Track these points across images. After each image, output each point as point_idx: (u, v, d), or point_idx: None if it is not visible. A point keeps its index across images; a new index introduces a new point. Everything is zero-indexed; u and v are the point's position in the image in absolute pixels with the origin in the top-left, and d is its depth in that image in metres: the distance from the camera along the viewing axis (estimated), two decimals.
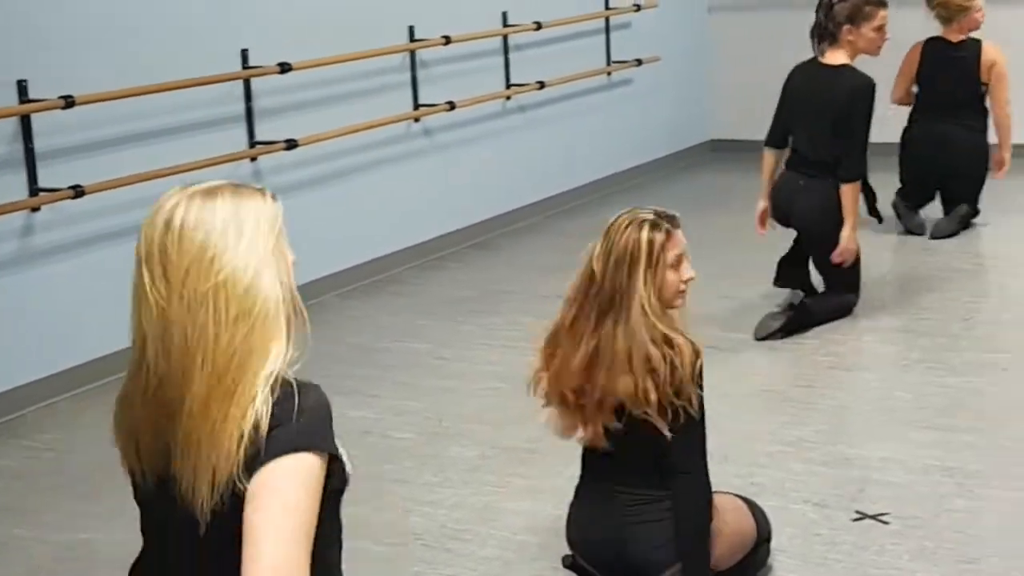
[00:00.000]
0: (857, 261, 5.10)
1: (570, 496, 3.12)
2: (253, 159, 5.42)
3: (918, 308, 5.29)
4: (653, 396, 2.80)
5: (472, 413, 4.38)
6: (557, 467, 3.74)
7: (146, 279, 1.76)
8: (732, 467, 3.79)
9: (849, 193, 4.95)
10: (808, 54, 5.19)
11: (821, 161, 5.03)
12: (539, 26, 6.98)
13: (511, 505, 3.66)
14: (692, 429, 2.86)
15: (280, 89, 5.50)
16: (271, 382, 1.75)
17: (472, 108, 6.60)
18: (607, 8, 7.75)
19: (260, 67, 5.33)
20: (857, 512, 3.49)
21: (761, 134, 5.32)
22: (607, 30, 7.80)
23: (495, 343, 5.11)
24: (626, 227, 2.88)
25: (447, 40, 6.32)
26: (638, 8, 7.92)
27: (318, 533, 1.73)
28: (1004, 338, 4.86)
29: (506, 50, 6.90)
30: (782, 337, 4.93)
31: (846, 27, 5.02)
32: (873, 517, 3.46)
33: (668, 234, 2.89)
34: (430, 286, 5.98)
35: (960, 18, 6.23)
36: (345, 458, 1.82)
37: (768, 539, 3.19)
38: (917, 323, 5.13)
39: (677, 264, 2.91)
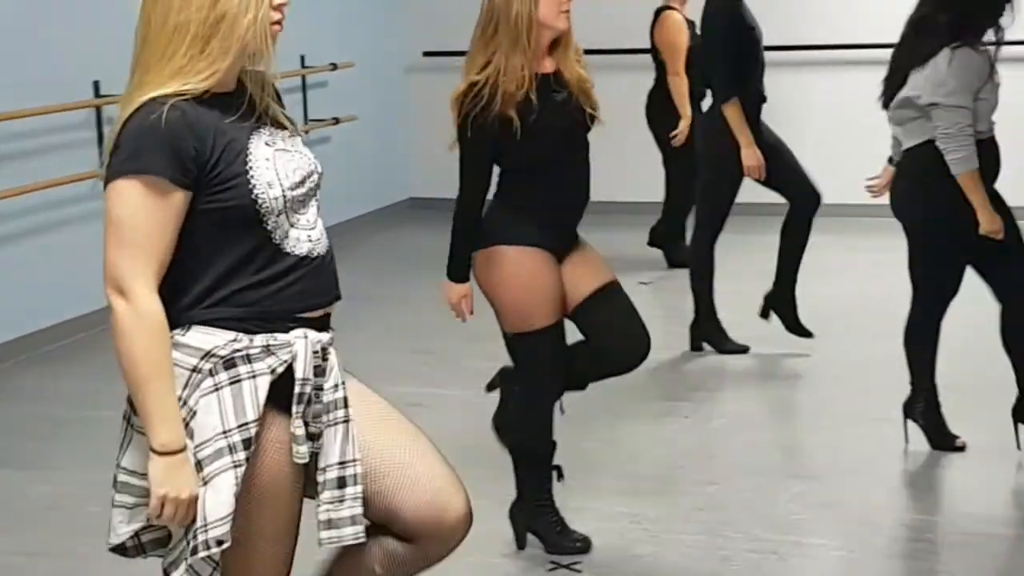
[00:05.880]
0: None
1: None
2: None
3: None
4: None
5: None
6: None
7: None
8: None
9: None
10: None
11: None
12: None
13: None
14: None
15: None
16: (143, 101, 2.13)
17: None
18: (303, 67, 7.76)
19: None
20: (551, 563, 3.59)
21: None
22: (304, 88, 7.81)
23: None
24: None
25: None
26: (334, 67, 7.97)
27: (194, 246, 2.14)
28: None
29: None
30: None
31: None
32: (567, 567, 3.57)
33: None
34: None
35: None
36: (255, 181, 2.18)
37: None
38: None
39: None
